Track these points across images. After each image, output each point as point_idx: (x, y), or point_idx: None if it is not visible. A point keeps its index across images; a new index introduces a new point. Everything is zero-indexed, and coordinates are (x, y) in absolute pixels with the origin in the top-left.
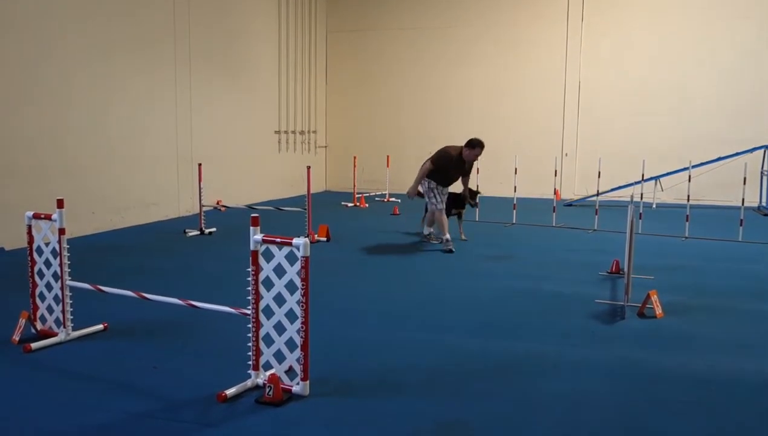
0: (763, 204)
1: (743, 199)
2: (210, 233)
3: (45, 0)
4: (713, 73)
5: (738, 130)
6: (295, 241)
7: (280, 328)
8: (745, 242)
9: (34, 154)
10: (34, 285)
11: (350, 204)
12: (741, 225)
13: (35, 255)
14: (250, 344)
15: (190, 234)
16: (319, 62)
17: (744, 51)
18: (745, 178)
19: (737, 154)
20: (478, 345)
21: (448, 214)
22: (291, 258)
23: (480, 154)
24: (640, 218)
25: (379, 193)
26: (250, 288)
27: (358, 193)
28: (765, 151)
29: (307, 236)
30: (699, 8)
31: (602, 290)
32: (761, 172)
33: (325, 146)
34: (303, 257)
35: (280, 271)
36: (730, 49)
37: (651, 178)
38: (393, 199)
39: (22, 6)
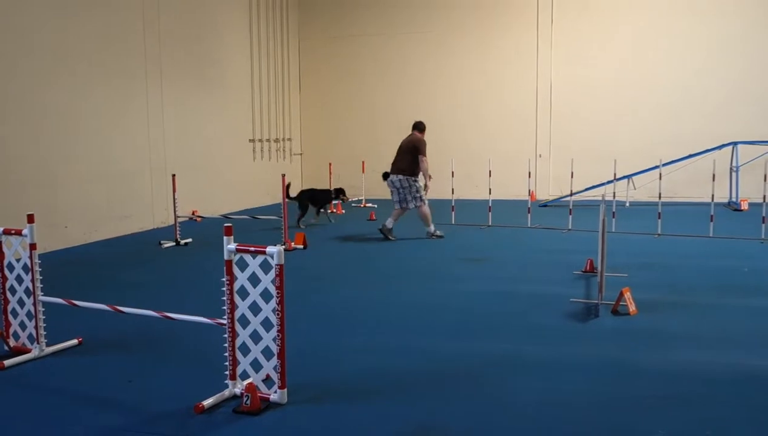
0: (733, 200)
1: (713, 196)
2: (186, 243)
3: (13, 13)
4: (682, 72)
5: (707, 127)
6: (269, 249)
7: (256, 337)
8: (717, 237)
9: (4, 168)
10: (6, 302)
11: (327, 211)
12: (712, 221)
13: (6, 271)
14: (226, 354)
15: (166, 245)
16: (293, 70)
17: (713, 50)
18: (714, 175)
19: (707, 151)
20: (455, 347)
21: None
22: (266, 266)
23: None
24: (613, 217)
25: (356, 199)
26: (225, 298)
27: (334, 200)
28: (733, 148)
29: (284, 244)
30: (668, 8)
31: (577, 289)
32: (730, 169)
33: (300, 154)
34: (277, 265)
35: (255, 280)
36: (699, 48)
37: (623, 177)
38: (369, 204)
39: None
